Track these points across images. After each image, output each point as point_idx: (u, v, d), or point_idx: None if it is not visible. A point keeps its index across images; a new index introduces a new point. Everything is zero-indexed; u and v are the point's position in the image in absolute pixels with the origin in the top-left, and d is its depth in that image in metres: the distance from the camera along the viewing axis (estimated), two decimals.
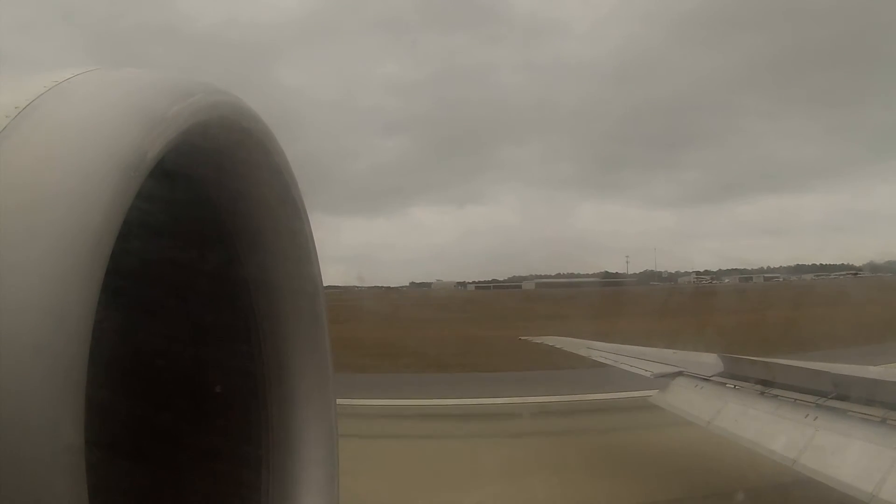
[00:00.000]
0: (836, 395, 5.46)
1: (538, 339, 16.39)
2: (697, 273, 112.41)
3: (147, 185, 0.94)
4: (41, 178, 0.85)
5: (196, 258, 1.52)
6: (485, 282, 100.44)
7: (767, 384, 6.52)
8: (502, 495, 8.24)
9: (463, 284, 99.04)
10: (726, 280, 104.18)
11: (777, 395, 6.21)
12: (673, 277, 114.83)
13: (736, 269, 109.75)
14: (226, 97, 1.20)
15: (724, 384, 7.41)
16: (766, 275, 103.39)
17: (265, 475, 1.60)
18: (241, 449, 1.61)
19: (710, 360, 8.19)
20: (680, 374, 8.46)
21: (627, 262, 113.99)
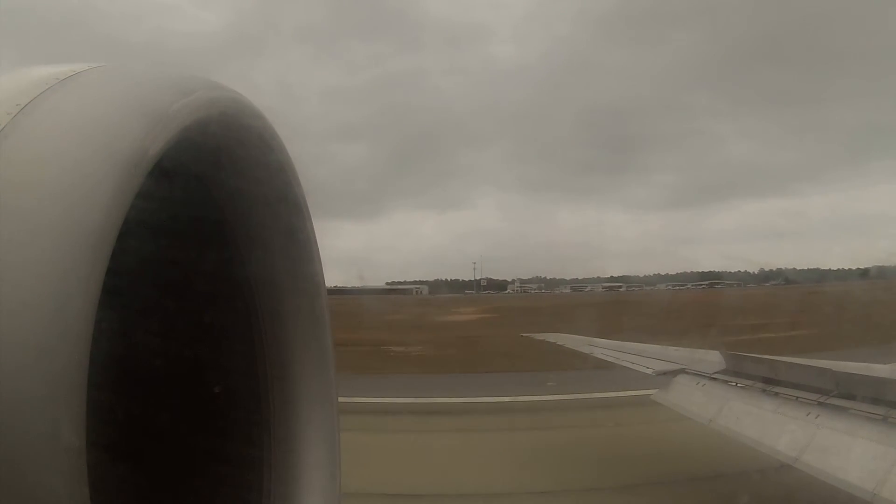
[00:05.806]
0: (838, 393, 5.45)
1: (540, 336, 16.40)
2: (522, 281, 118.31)
3: (147, 183, 0.93)
4: (43, 175, 0.84)
5: (196, 257, 1.51)
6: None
7: (770, 382, 6.52)
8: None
9: None
10: (563, 288, 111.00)
11: (779, 393, 6.21)
12: (502, 285, 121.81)
13: (573, 279, 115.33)
14: (226, 93, 1.19)
15: (726, 382, 7.41)
16: (603, 283, 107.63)
17: (266, 476, 1.59)
18: (243, 450, 1.60)
19: (712, 358, 8.19)
20: (682, 371, 8.47)
21: (474, 268, 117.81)
